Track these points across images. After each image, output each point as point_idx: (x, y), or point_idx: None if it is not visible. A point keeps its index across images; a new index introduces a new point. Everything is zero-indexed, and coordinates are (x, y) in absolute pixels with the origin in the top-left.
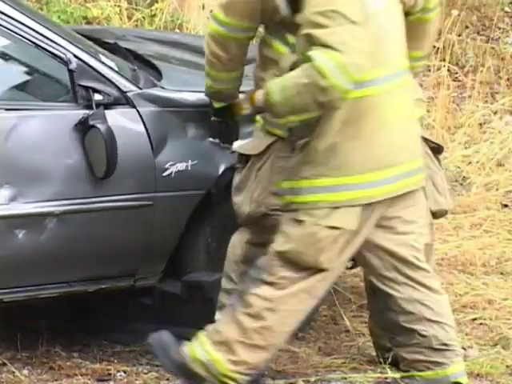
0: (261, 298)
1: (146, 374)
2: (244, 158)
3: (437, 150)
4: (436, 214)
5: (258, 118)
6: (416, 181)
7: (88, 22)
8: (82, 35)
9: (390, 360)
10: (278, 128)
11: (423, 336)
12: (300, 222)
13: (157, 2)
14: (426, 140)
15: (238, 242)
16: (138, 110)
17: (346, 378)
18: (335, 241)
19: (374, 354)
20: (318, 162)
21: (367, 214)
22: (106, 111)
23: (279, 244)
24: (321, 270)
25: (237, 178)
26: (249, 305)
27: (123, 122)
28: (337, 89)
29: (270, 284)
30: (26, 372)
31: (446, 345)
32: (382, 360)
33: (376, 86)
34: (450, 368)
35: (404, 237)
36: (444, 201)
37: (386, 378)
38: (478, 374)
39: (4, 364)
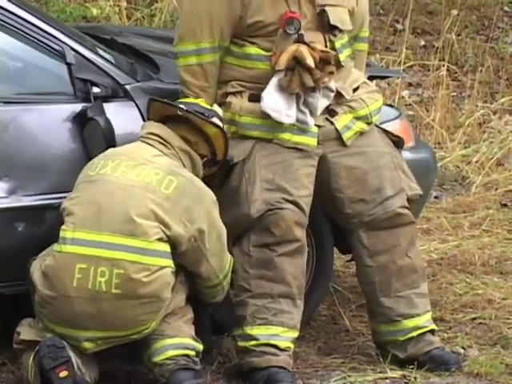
0: None
1: (146, 373)
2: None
3: (397, 143)
4: (412, 199)
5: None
6: None
7: (87, 22)
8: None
9: (389, 359)
10: (254, 130)
11: None
12: None
13: (156, 2)
14: (386, 132)
15: (240, 251)
16: (135, 103)
17: (345, 378)
18: None
19: (373, 353)
20: None
21: None
22: (104, 104)
23: None
24: None
25: (226, 191)
26: None
27: (121, 115)
28: None
29: None
30: None
31: None
32: (381, 359)
33: None
34: None
35: None
36: (415, 185)
37: (385, 378)
38: (477, 374)
39: (4, 364)
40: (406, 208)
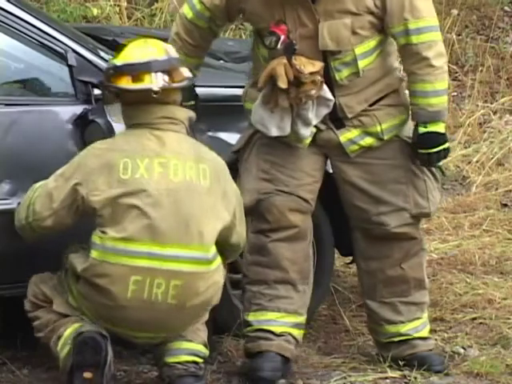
0: None
1: (145, 373)
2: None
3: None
4: (417, 217)
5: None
6: None
7: (88, 22)
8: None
9: (389, 359)
10: None
11: None
12: None
13: (156, 2)
14: (410, 145)
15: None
16: None
17: (345, 378)
18: None
19: (373, 353)
20: None
21: None
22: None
23: None
24: None
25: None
26: None
27: None
28: None
29: None
30: (25, 371)
31: None
32: (381, 359)
33: None
34: None
35: None
36: (425, 203)
37: (385, 378)
38: (477, 374)
39: (4, 363)
40: (406, 225)
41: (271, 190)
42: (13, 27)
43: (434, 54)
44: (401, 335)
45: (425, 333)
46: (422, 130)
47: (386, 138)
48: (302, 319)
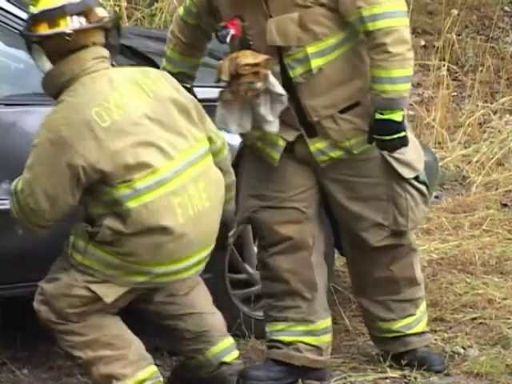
0: None
1: None
2: None
3: (400, 173)
4: (395, 233)
5: None
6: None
7: None
8: None
9: (389, 359)
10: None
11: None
12: None
13: (156, 2)
14: (390, 164)
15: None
16: None
17: (345, 378)
18: None
19: (373, 353)
20: None
21: None
22: None
23: None
24: None
25: None
26: None
27: None
28: None
29: None
30: (25, 371)
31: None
32: (381, 359)
33: None
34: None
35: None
36: (404, 222)
37: (385, 378)
38: (477, 374)
39: (4, 363)
40: (387, 238)
41: (257, 208)
42: (13, 27)
43: (392, 40)
44: (392, 332)
45: (419, 328)
46: (377, 116)
47: (355, 152)
48: (313, 327)
